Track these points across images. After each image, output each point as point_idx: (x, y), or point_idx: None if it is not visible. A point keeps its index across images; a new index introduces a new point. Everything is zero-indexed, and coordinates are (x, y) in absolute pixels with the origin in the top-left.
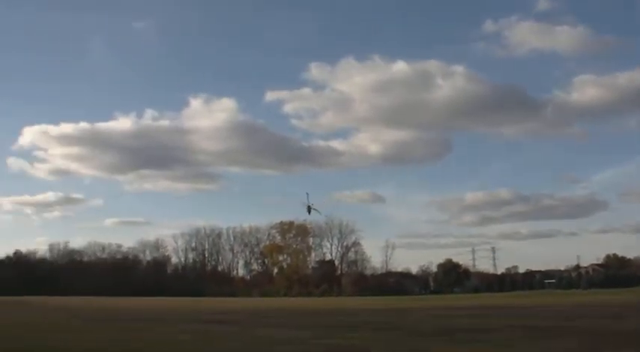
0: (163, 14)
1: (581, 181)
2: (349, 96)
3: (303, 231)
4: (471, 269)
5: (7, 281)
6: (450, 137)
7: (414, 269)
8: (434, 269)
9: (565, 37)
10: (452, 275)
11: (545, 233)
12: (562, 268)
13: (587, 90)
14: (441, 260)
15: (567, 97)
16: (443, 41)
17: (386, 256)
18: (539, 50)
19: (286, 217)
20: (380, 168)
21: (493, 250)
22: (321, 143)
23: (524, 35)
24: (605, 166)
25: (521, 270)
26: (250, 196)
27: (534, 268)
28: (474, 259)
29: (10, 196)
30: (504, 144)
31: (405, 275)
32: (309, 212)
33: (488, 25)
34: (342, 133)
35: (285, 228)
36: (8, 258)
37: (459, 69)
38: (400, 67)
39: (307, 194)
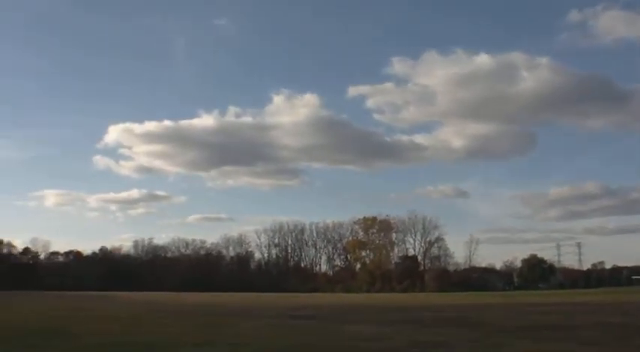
0: (244, 11)
1: None
2: (432, 90)
3: (386, 226)
4: (556, 265)
5: (94, 277)
6: (534, 130)
7: (498, 265)
8: (518, 264)
9: None
10: (536, 271)
11: (633, 228)
12: None
13: None
14: (525, 255)
15: None
16: (526, 32)
17: (469, 251)
18: (625, 39)
19: (369, 213)
20: (463, 163)
21: (579, 245)
22: (404, 138)
23: (610, 24)
24: None
25: (608, 266)
26: (333, 192)
27: (621, 264)
28: (558, 255)
29: (96, 194)
30: (590, 137)
31: (489, 271)
32: None
33: (573, 15)
34: (425, 128)
35: (368, 223)
36: (94, 254)
37: (543, 60)
38: (483, 59)
39: None
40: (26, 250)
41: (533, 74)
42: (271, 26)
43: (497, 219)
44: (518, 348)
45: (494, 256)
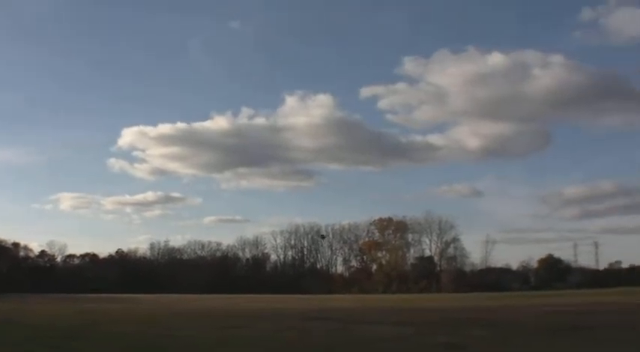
0: (258, 13)
1: None
2: (445, 90)
3: (402, 227)
4: (573, 265)
5: (110, 280)
6: (550, 129)
7: (514, 265)
8: (534, 264)
9: None
10: (553, 271)
11: None
12: None
13: None
14: (541, 255)
15: None
16: (539, 30)
17: (486, 252)
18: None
19: (385, 213)
20: (479, 162)
21: (596, 245)
22: (419, 138)
23: (624, 21)
24: None
25: (625, 265)
26: (348, 193)
27: (639, 263)
28: (575, 254)
29: (112, 196)
30: (606, 135)
31: (505, 271)
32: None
33: (586, 12)
34: (439, 127)
35: (384, 224)
36: (111, 256)
37: (557, 58)
38: (496, 58)
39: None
40: (43, 253)
41: (547, 72)
42: (284, 28)
43: (513, 218)
44: (537, 348)
45: (510, 256)
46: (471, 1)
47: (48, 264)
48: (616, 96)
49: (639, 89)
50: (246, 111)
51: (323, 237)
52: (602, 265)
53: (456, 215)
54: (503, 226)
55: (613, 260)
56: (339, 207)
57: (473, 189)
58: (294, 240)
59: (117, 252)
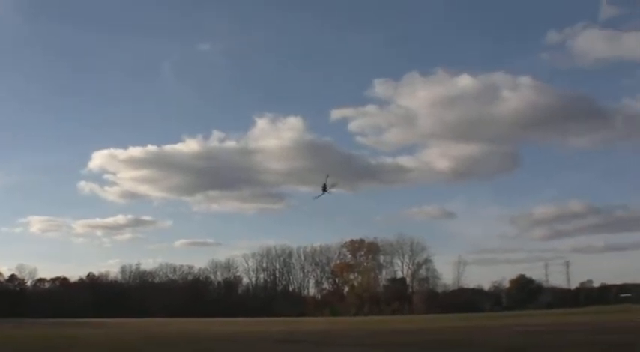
0: (228, 36)
1: None
2: (415, 112)
3: (373, 249)
4: (544, 285)
5: (81, 304)
6: (519, 149)
7: (486, 286)
8: (506, 285)
9: (632, 43)
10: (525, 291)
11: (620, 245)
12: (639, 281)
13: None
14: (513, 275)
15: (637, 105)
16: (507, 53)
17: (457, 273)
18: (605, 58)
19: (356, 235)
20: (449, 184)
21: (566, 264)
22: (389, 160)
23: (590, 43)
24: None
25: (596, 284)
26: (319, 215)
27: (609, 282)
28: (546, 274)
29: (82, 219)
30: (575, 156)
31: (477, 292)
32: (324, 190)
33: (553, 35)
34: (410, 149)
35: (356, 246)
36: (82, 280)
37: (525, 80)
38: (465, 80)
39: (327, 176)
40: (12, 277)
41: (516, 94)
42: (253, 51)
43: (485, 239)
44: None
45: (482, 277)
46: (440, 25)
47: (18, 288)
48: (583, 116)
49: (606, 109)
50: (216, 134)
51: (325, 189)
52: (574, 284)
53: (428, 236)
54: (475, 247)
55: (584, 279)
56: (311, 229)
57: (444, 211)
58: (266, 262)
59: (88, 275)
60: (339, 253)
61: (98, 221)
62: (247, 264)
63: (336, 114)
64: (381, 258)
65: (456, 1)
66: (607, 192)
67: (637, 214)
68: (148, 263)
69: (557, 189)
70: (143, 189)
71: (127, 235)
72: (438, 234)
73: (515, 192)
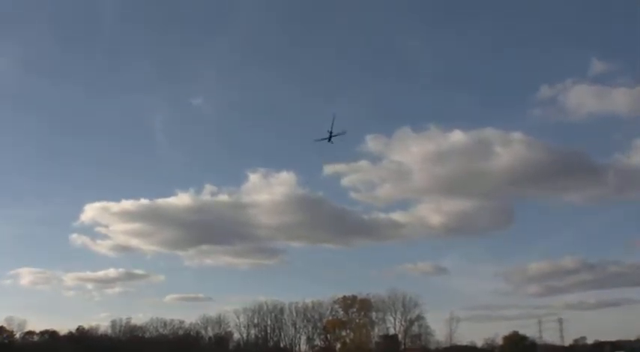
0: (220, 91)
1: None
2: (407, 167)
3: (366, 305)
4: (538, 342)
5: None
6: (512, 205)
7: (479, 343)
8: (499, 341)
9: (622, 98)
10: (518, 348)
11: (614, 301)
12: (633, 338)
13: None
14: (506, 332)
15: (628, 160)
16: (499, 108)
17: (450, 329)
18: (596, 113)
19: (348, 291)
20: (442, 239)
21: (560, 321)
22: (382, 215)
23: (581, 99)
24: None
25: (590, 341)
26: (311, 271)
27: (604, 339)
28: (540, 331)
29: (73, 272)
30: (568, 211)
31: (470, 349)
32: (330, 139)
33: (544, 91)
34: (402, 205)
35: (348, 302)
36: (71, 333)
37: (517, 135)
38: (457, 135)
39: (333, 118)
40: (1, 329)
41: (508, 149)
42: (246, 106)
43: (478, 295)
44: None
45: (475, 333)
46: (431, 81)
47: (6, 341)
48: (576, 172)
49: (598, 165)
50: (209, 187)
51: (331, 135)
52: (568, 341)
53: (420, 292)
54: (468, 303)
55: (578, 336)
56: (303, 284)
57: (437, 267)
58: (258, 318)
59: (77, 329)
60: (331, 309)
61: (89, 274)
62: (238, 319)
63: (328, 169)
64: (374, 315)
65: (448, 58)
66: (600, 247)
67: (630, 270)
68: (139, 317)
69: (551, 245)
70: (135, 242)
71: (117, 289)
72: (431, 290)
73: (508, 248)
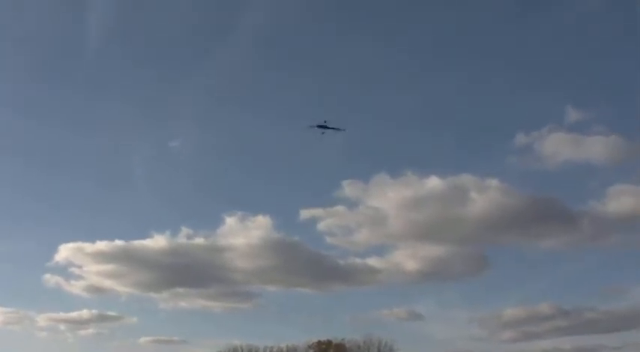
0: (197, 133)
1: (623, 293)
2: (384, 213)
3: (341, 350)
4: None
5: None
6: (488, 251)
7: None
8: None
9: (598, 146)
10: None
11: (589, 348)
12: None
13: (623, 199)
14: None
15: (603, 208)
16: (475, 155)
17: None
18: (572, 161)
19: (324, 336)
20: (418, 285)
21: None
22: (358, 260)
23: (557, 146)
24: None
25: None
26: (287, 315)
27: None
28: None
29: (46, 313)
30: (543, 258)
31: None
32: (323, 127)
33: (520, 138)
34: (379, 250)
35: (323, 347)
36: None
37: (493, 182)
38: (434, 181)
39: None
40: None
41: (484, 196)
42: (224, 148)
43: (453, 341)
44: None
45: None
46: (408, 127)
47: None
48: (551, 219)
49: (573, 212)
50: (185, 230)
51: (325, 125)
52: None
53: (396, 338)
54: (443, 348)
55: None
56: (278, 328)
57: (412, 312)
58: None
59: None
60: None
61: (62, 315)
62: None
63: (305, 214)
64: None
65: (425, 104)
66: (575, 294)
67: (605, 316)
68: None
69: (526, 291)
70: (109, 283)
71: (91, 330)
72: (407, 336)
73: (483, 294)
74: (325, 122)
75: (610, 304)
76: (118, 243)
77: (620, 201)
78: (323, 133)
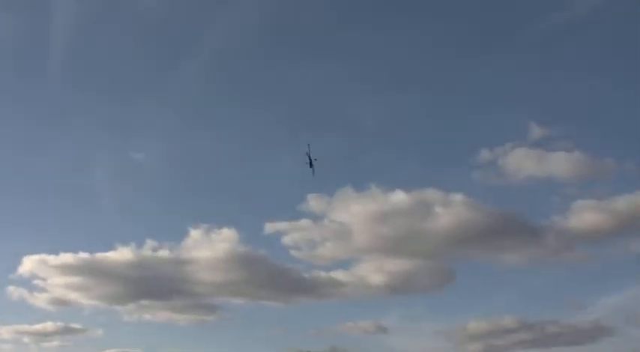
0: (161, 146)
1: (586, 307)
2: (348, 227)
3: None
4: None
5: None
6: (452, 265)
7: None
8: None
9: (561, 162)
10: None
11: None
12: None
13: (586, 215)
14: None
15: (566, 223)
16: (440, 170)
17: None
18: (535, 177)
19: (289, 349)
20: (384, 298)
21: None
22: (323, 274)
23: (520, 162)
24: (609, 291)
25: None
26: (252, 327)
27: None
28: None
29: (9, 325)
30: (507, 272)
31: None
32: (311, 165)
33: (485, 154)
34: (344, 264)
35: None
36: None
37: (458, 197)
38: (399, 196)
39: (309, 145)
40: None
41: (449, 210)
42: (189, 161)
43: None
44: None
45: None
46: (373, 141)
47: None
48: (515, 233)
49: (537, 227)
50: (150, 243)
51: (310, 161)
52: None
53: (361, 351)
54: None
55: None
56: (243, 341)
57: (378, 325)
58: None
59: None
60: None
61: (26, 327)
62: None
63: (270, 227)
64: None
65: (389, 118)
66: (539, 307)
67: (568, 330)
68: None
69: (491, 305)
70: (74, 296)
71: (55, 342)
72: (372, 349)
73: (449, 307)
74: (309, 155)
75: (573, 317)
76: (83, 255)
77: (582, 216)
78: (314, 175)
